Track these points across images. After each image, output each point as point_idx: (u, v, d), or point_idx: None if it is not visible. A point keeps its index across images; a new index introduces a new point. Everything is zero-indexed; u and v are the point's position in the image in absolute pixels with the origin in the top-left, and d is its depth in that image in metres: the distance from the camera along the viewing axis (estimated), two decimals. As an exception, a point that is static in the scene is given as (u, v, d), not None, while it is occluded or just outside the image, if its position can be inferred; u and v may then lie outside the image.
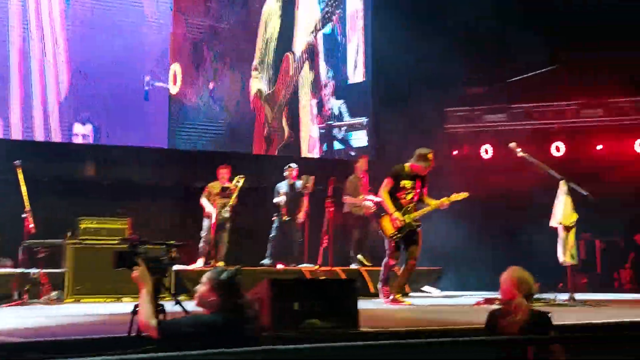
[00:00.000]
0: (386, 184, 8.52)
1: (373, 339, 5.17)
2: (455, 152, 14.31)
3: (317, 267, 9.71)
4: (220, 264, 10.38)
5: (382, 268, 8.67)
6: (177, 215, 12.13)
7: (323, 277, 8.94)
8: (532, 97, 14.21)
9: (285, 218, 11.24)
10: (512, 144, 9.23)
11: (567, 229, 8.43)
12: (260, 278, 7.46)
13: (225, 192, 10.73)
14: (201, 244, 10.73)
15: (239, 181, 10.65)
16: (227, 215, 10.70)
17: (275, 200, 11.30)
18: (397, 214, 8.35)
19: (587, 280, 12.81)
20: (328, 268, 8.89)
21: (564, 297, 8.39)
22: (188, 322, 4.30)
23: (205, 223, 10.75)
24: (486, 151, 14.28)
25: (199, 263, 10.57)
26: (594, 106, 13.89)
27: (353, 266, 10.95)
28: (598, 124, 13.98)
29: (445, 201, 8.58)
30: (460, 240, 12.04)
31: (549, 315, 4.90)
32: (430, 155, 8.56)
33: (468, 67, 14.01)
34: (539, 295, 8.38)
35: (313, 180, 11.30)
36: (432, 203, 8.64)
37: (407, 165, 8.59)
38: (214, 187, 10.83)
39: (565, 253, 8.44)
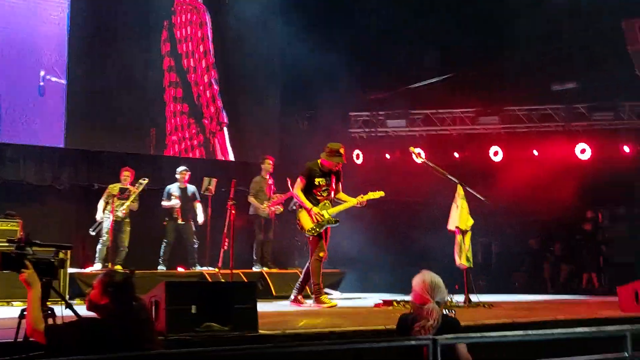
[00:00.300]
0: (299, 183, 8.52)
1: (272, 341, 5.13)
2: (358, 157, 14.48)
3: (217, 269, 9.60)
4: (118, 267, 10.13)
5: (310, 267, 8.50)
6: (73, 216, 11.74)
7: (223, 280, 8.83)
8: (431, 104, 14.57)
9: (177, 222, 11.05)
10: (412, 149, 9.40)
11: (464, 232, 8.64)
12: (159, 281, 7.31)
13: (123, 194, 10.47)
14: (99, 246, 10.44)
15: (142, 183, 10.42)
16: (120, 215, 10.42)
17: (167, 204, 11.10)
18: (315, 209, 8.38)
19: (483, 282, 13.20)
20: (228, 271, 8.78)
21: (460, 298, 8.59)
22: (77, 326, 4.14)
23: (105, 224, 10.44)
24: (387, 156, 14.54)
25: (97, 266, 10.26)
26: (490, 114, 14.36)
27: (255, 269, 10.89)
28: (494, 131, 14.47)
29: (362, 199, 8.61)
30: (360, 243, 12.16)
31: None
32: (341, 150, 8.58)
33: (370, 73, 14.25)
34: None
35: (215, 183, 11.18)
36: (350, 200, 8.66)
37: (319, 162, 8.58)
38: (114, 188, 10.55)
39: (461, 256, 8.64)
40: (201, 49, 13.34)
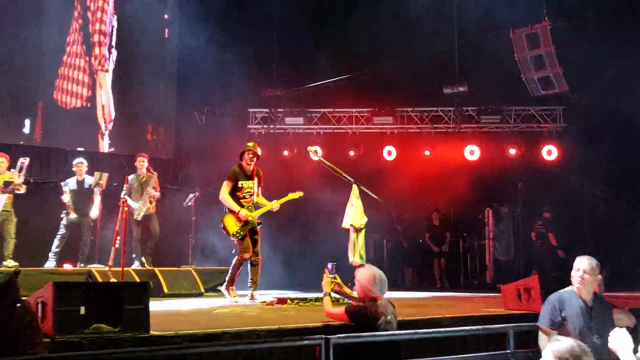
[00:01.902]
0: (226, 186, 8.73)
1: (165, 342, 5.04)
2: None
3: (107, 268, 9.34)
4: (9, 262, 9.71)
5: (233, 262, 8.81)
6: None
7: (114, 279, 8.60)
8: (328, 103, 14.75)
9: (73, 216, 10.71)
10: (310, 148, 9.49)
11: (358, 230, 8.78)
12: (47, 280, 7.05)
13: (8, 187, 9.98)
14: None
15: (24, 162, 9.95)
16: (7, 208, 9.99)
17: (63, 197, 10.74)
18: (243, 211, 8.64)
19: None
20: (119, 269, 8.57)
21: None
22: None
23: None
24: (286, 152, 14.61)
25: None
26: (384, 114, 14.66)
27: (135, 266, 10.64)
28: (388, 130, 14.79)
29: (275, 204, 8.93)
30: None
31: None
32: (248, 145, 8.88)
33: (269, 70, 14.28)
34: (334, 295, 8.68)
35: (107, 177, 10.88)
36: (266, 204, 8.96)
37: (240, 165, 8.83)
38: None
39: (354, 253, 8.78)
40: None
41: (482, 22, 13.20)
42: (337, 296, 6.56)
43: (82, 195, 10.82)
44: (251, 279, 8.84)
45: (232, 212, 8.67)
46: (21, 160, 10.04)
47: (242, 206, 8.69)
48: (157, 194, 11.00)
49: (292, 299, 8.37)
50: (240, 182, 8.74)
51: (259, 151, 9.36)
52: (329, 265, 6.10)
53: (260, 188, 8.97)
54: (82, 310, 4.81)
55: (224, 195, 8.70)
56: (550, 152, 14.18)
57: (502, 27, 13.05)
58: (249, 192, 8.79)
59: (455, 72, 14.12)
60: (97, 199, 10.83)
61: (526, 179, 13.85)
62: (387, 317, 5.26)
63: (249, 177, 8.82)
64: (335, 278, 6.23)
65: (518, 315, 7.00)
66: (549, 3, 12.85)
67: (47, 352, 4.33)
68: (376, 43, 13.99)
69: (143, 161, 11.06)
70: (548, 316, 5.53)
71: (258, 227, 8.85)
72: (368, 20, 14.10)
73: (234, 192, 8.73)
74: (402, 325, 5.88)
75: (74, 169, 10.93)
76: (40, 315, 4.73)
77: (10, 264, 9.76)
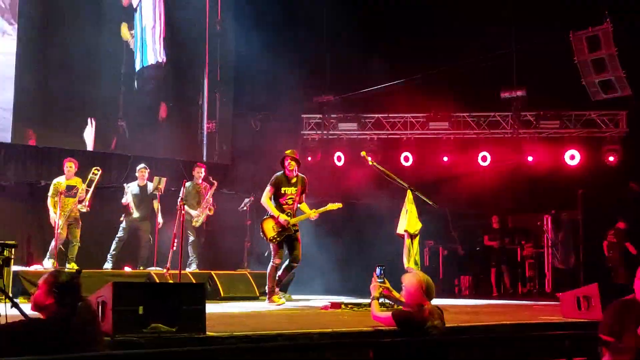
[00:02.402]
0: (268, 191, 8.90)
1: (220, 343, 5.11)
2: (309, 158, 14.53)
3: (165, 270, 9.51)
4: (72, 265, 9.96)
5: (268, 271, 8.92)
6: (19, 213, 11.49)
7: (171, 281, 8.76)
8: (382, 109, 14.71)
9: (133, 218, 10.93)
10: (363, 153, 9.46)
11: (412, 236, 8.72)
12: (106, 282, 7.21)
13: (70, 192, 10.26)
14: (53, 244, 10.17)
15: (95, 174, 10.23)
16: (74, 214, 10.27)
17: (123, 200, 10.96)
18: (283, 216, 8.76)
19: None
20: (177, 271, 8.72)
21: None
22: (21, 327, 4.07)
23: (55, 222, 10.19)
24: (339, 158, 14.63)
25: (48, 264, 10.03)
26: (440, 119, 14.55)
27: (192, 269, 10.80)
28: (444, 136, 14.68)
29: (313, 213, 9.00)
30: (308, 246, 12.17)
31: None
32: (286, 153, 8.98)
33: (323, 76, 14.35)
34: (382, 300, 8.67)
35: (165, 182, 11.07)
36: (306, 212, 9.06)
37: (284, 172, 8.96)
38: (61, 185, 10.27)
39: (409, 259, 8.73)
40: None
41: (541, 25, 13.00)
42: (388, 301, 6.54)
43: (143, 200, 11.03)
44: (279, 278, 8.93)
45: (271, 216, 8.82)
46: (94, 171, 10.26)
47: (283, 212, 8.80)
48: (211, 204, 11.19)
49: (345, 304, 8.37)
50: (283, 189, 8.86)
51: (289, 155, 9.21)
52: (377, 270, 6.09)
53: (303, 195, 9.05)
54: (141, 309, 4.92)
55: (265, 199, 8.90)
56: (612, 158, 13.83)
57: (560, 29, 12.81)
58: (292, 198, 8.89)
59: (513, 76, 13.92)
60: (158, 204, 11.01)
61: (587, 185, 13.53)
62: (434, 322, 5.22)
63: (292, 184, 8.92)
64: (384, 282, 6.21)
65: (577, 324, 6.87)
66: (610, 4, 12.56)
67: (108, 350, 4.42)
68: (431, 47, 13.91)
69: (201, 171, 11.26)
70: (609, 324, 5.40)
71: (296, 233, 8.92)
72: (423, 24, 14.03)
73: (277, 198, 8.88)
74: (456, 331, 5.84)
75: (136, 174, 11.13)
76: (100, 315, 4.85)
77: (73, 266, 10.01)
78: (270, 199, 8.86)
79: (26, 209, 11.49)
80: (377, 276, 5.89)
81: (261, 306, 8.81)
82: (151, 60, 13.08)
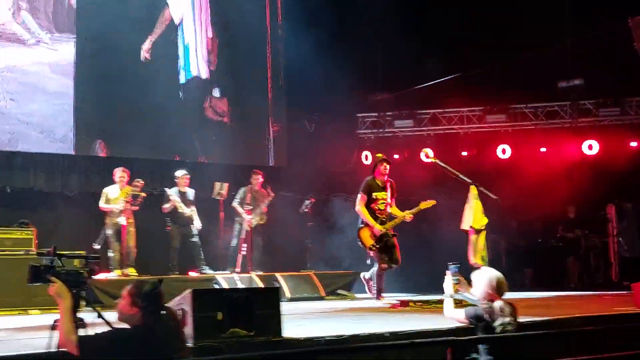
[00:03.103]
0: (360, 200, 8.98)
1: (297, 346, 5.17)
2: (366, 157, 14.50)
3: (233, 273, 9.67)
4: (131, 270, 10.15)
5: (375, 278, 9.08)
6: (83, 223, 11.75)
7: (241, 284, 8.89)
8: (438, 104, 14.60)
9: (182, 225, 10.98)
10: (425, 151, 9.44)
11: (478, 232, 8.66)
12: (174, 287, 7.36)
13: (136, 200, 10.42)
14: (111, 254, 10.37)
15: (137, 186, 10.36)
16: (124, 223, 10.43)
17: (165, 206, 10.97)
18: (378, 226, 8.86)
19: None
20: (246, 274, 8.86)
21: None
22: (109, 337, 4.17)
23: (110, 231, 10.42)
24: (396, 156, 14.57)
25: (113, 273, 10.23)
26: (497, 112, 14.39)
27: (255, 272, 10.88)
28: (501, 129, 14.50)
29: (408, 214, 9.11)
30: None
31: None
32: (378, 156, 9.28)
33: (376, 73, 14.31)
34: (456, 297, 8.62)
35: (227, 187, 11.20)
36: (399, 214, 9.12)
37: (373, 177, 9.09)
38: (126, 193, 10.42)
39: (476, 255, 8.67)
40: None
41: (597, 11, 12.74)
42: (461, 297, 6.51)
43: (185, 206, 11.01)
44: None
45: (367, 225, 8.87)
46: (135, 183, 10.38)
47: (376, 218, 8.88)
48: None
49: (414, 302, 8.36)
50: (374, 194, 8.92)
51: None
52: (452, 267, 6.06)
53: (393, 199, 9.11)
54: (220, 316, 5.01)
55: (360, 207, 8.93)
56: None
57: (618, 15, 12.53)
58: (383, 202, 8.95)
59: (569, 65, 13.67)
60: (195, 210, 11.06)
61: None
62: (506, 318, 5.18)
63: (382, 189, 8.98)
64: (459, 280, 6.18)
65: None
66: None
67: (191, 356, 4.51)
68: (485, 39, 13.76)
69: (258, 178, 11.36)
70: None
71: (394, 237, 9.03)
72: (475, 16, 13.88)
73: (369, 204, 8.92)
74: (528, 326, 5.77)
75: (176, 180, 11.15)
76: (181, 322, 4.95)
77: (132, 272, 10.19)
78: (364, 206, 8.91)
79: (90, 218, 11.71)
80: (452, 274, 5.88)
81: (330, 306, 8.85)
82: (194, 72, 13.23)
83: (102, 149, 11.96)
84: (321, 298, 10.34)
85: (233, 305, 5.13)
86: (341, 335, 5.47)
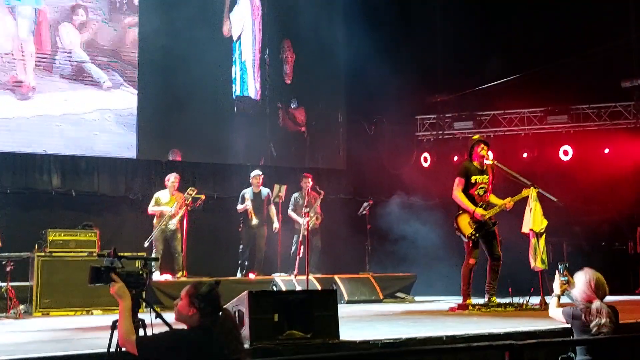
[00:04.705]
0: (458, 184, 8.25)
1: (354, 348, 5.16)
2: (425, 159, 14.40)
3: (293, 275, 9.72)
4: (179, 274, 10.28)
5: (462, 278, 8.40)
6: (146, 225, 11.96)
7: (298, 286, 8.92)
8: (497, 105, 14.39)
9: (253, 224, 11.09)
10: (483, 152, 9.20)
11: (538, 235, 8.50)
12: (233, 289, 7.44)
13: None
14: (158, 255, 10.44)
15: (190, 194, 10.48)
16: (173, 227, 10.58)
17: (240, 207, 11.17)
18: (479, 210, 8.13)
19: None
20: (303, 276, 8.89)
21: (535, 301, 8.47)
22: (167, 338, 4.24)
23: (156, 232, 10.55)
24: (456, 158, 14.42)
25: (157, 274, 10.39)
26: (558, 113, 14.09)
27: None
28: (563, 130, 14.20)
29: (509, 202, 8.35)
30: (429, 246, 12.08)
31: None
32: (473, 138, 8.53)
33: (435, 75, 14.19)
34: (510, 300, 8.48)
35: (285, 189, 11.27)
36: (498, 202, 8.41)
37: (471, 160, 8.43)
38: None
39: (536, 259, 8.51)
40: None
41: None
42: (567, 297, 6.36)
43: (259, 206, 11.22)
44: (489, 283, 8.37)
45: (466, 211, 8.16)
46: (188, 191, 10.50)
47: (476, 204, 8.16)
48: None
49: (473, 305, 8.24)
50: (473, 177, 8.21)
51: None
52: (560, 267, 5.95)
53: (491, 185, 8.37)
54: (276, 317, 5.04)
55: (457, 193, 8.16)
56: None
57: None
58: (483, 187, 8.26)
59: (632, 64, 13.30)
60: (273, 209, 11.23)
61: None
62: (602, 320, 5.08)
63: (482, 172, 8.29)
64: (567, 280, 6.05)
65: None
66: None
67: (248, 358, 4.55)
68: (545, 39, 13.50)
69: (308, 182, 11.39)
70: None
71: (494, 227, 8.34)
72: (536, 16, 13.63)
73: (467, 189, 8.20)
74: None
75: (251, 181, 11.34)
76: (238, 323, 5.00)
77: (181, 275, 10.34)
78: (462, 191, 8.14)
79: (151, 221, 11.92)
80: (560, 273, 5.77)
81: (388, 309, 8.81)
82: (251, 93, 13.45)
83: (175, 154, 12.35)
84: (379, 301, 10.31)
85: (290, 307, 5.16)
86: (398, 338, 5.44)
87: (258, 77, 13.48)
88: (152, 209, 10.69)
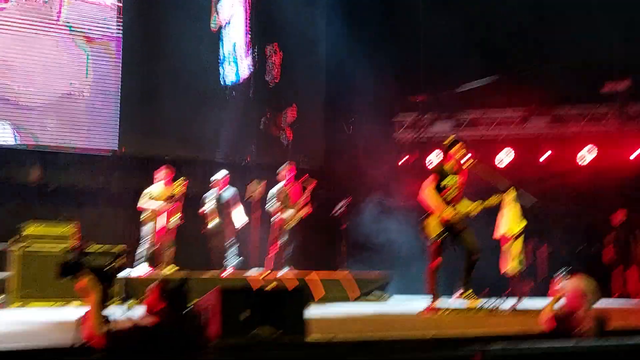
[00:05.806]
0: (432, 180, 8.12)
1: (322, 347, 5.18)
2: (402, 160, 14.42)
3: (266, 274, 9.70)
4: (170, 266, 10.26)
5: (428, 273, 8.35)
6: (125, 220, 11.92)
7: (271, 285, 8.92)
8: (477, 107, 14.40)
9: (214, 226, 11.09)
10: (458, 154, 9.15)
11: (515, 237, 8.51)
12: (203, 286, 7.41)
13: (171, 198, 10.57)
14: (144, 249, 10.51)
15: (179, 184, 10.49)
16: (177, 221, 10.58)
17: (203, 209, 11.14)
18: (448, 209, 7.99)
19: (533, 285, 12.99)
20: (274, 274, 8.89)
21: (508, 304, 8.50)
22: (135, 331, 4.26)
23: (148, 227, 10.55)
24: (434, 159, 14.44)
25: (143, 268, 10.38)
26: (539, 114, 14.13)
27: (284, 271, 10.90)
28: (543, 132, 14.23)
29: (476, 207, 8.25)
30: (407, 245, 12.10)
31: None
32: (447, 141, 8.36)
33: (414, 76, 14.19)
34: (481, 304, 8.43)
35: (264, 185, 11.23)
36: (468, 207, 8.30)
37: (443, 162, 8.34)
38: (165, 193, 10.59)
39: (510, 261, 8.55)
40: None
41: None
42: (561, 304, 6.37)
43: (220, 207, 11.16)
44: (465, 277, 8.26)
45: (434, 212, 8.01)
46: (178, 182, 10.52)
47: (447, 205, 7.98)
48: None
49: (445, 308, 8.21)
50: (445, 180, 8.08)
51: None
52: (559, 272, 5.98)
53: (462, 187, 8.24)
54: (246, 314, 5.06)
55: (429, 190, 8.01)
56: None
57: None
58: (454, 190, 8.09)
59: (615, 67, 13.34)
60: (239, 208, 11.19)
61: None
62: (585, 328, 5.12)
63: (455, 173, 8.15)
64: (564, 286, 6.07)
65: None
66: None
67: (215, 354, 4.57)
68: (528, 40, 13.55)
69: (286, 176, 11.34)
70: None
71: (462, 224, 8.14)
72: (519, 16, 13.65)
73: (439, 190, 8.03)
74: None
75: (212, 181, 11.28)
76: (207, 319, 5.01)
77: (169, 269, 10.34)
78: (434, 189, 8.00)
79: (131, 215, 11.87)
80: (559, 279, 5.78)
81: (362, 309, 8.83)
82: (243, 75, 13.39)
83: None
84: (353, 300, 10.31)
85: (260, 304, 5.18)
86: (367, 339, 5.47)
87: (243, 74, 13.47)
88: (142, 205, 10.59)
